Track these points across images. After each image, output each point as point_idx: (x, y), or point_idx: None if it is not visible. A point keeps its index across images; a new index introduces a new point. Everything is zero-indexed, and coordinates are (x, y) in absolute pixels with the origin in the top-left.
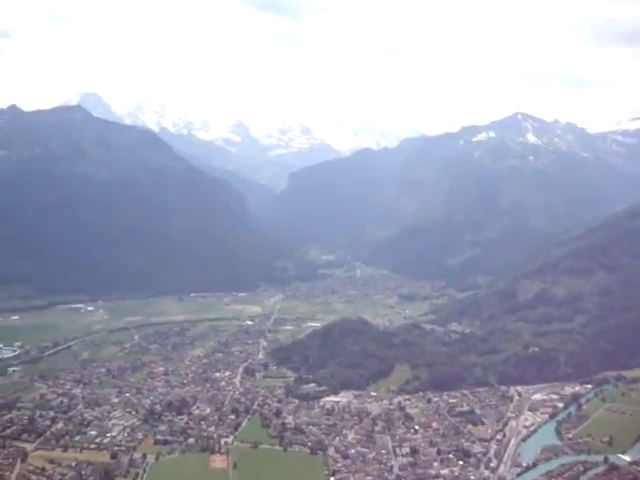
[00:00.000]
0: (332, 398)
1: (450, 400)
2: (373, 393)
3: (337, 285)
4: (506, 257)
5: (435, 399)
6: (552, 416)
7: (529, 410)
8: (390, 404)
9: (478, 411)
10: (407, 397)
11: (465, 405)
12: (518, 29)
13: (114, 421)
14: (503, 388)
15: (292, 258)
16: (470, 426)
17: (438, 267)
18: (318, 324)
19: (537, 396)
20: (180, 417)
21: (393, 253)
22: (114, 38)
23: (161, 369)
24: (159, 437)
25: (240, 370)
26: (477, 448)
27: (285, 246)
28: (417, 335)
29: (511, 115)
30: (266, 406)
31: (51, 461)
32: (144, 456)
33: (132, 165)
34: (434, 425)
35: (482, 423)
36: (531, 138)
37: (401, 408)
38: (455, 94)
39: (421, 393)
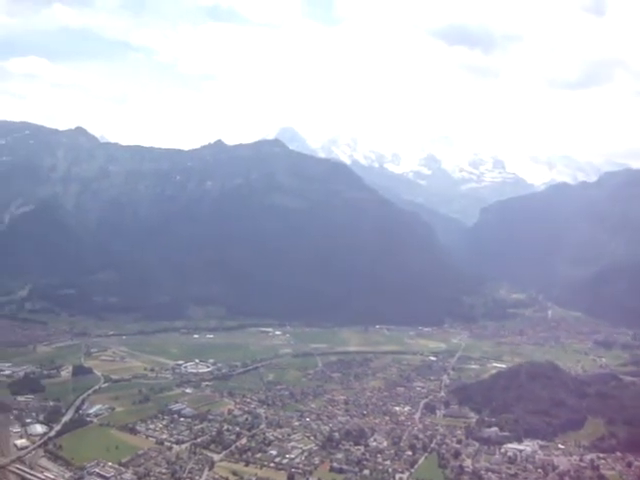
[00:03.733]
0: (515, 445)
1: None
2: (561, 445)
3: (526, 326)
4: None
5: (637, 463)
6: None
7: None
8: (581, 461)
9: None
10: (601, 456)
11: None
12: None
13: (293, 443)
14: None
15: (481, 295)
16: None
17: None
18: (504, 365)
19: None
20: (357, 447)
21: (589, 295)
22: (309, 75)
23: (342, 398)
24: (335, 465)
25: (420, 406)
26: None
27: (474, 282)
28: (614, 387)
29: None
30: (445, 446)
31: (234, 473)
32: None
33: (324, 196)
34: None
35: None
36: None
37: (594, 467)
38: None
39: (618, 454)
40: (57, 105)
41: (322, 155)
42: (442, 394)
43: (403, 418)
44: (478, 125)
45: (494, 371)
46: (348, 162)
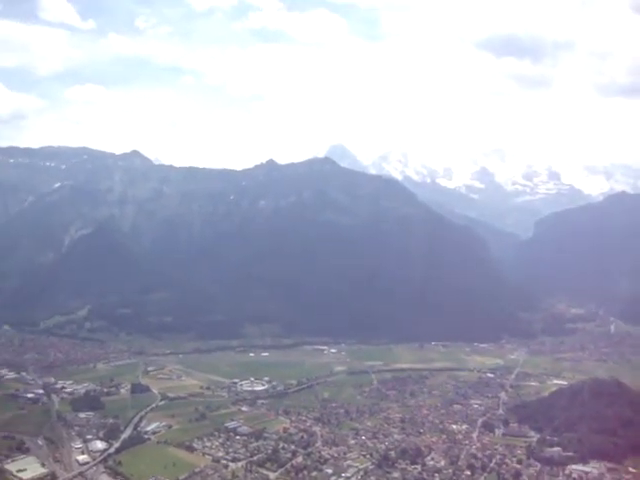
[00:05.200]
0: (580, 467)
1: None
2: (632, 469)
3: (587, 341)
4: None
5: None
6: None
7: None
8: None
9: None
10: None
11: None
12: None
13: (349, 462)
14: None
15: (538, 310)
16: None
17: None
18: (565, 382)
19: None
20: (414, 466)
21: None
22: (357, 92)
23: (398, 416)
24: None
25: (478, 424)
26: None
27: (530, 297)
28: None
29: None
30: (504, 466)
31: None
32: None
33: (376, 213)
34: None
35: None
36: None
37: None
38: None
39: None
40: (113, 130)
41: (373, 171)
42: (500, 412)
43: (460, 437)
44: (531, 136)
45: (555, 388)
46: (399, 178)
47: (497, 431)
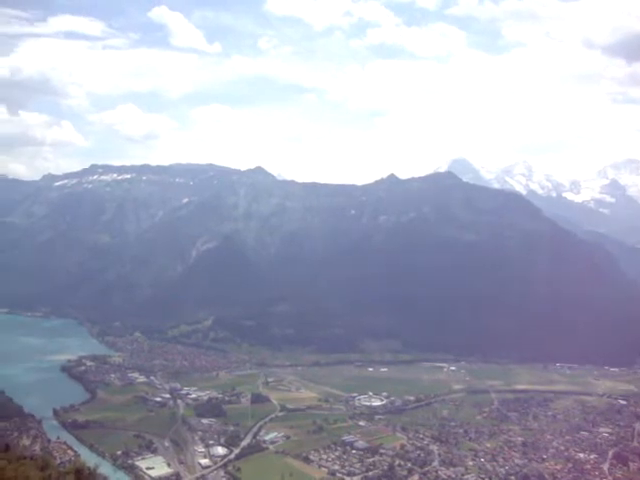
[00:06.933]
0: None
1: None
2: None
3: None
4: None
5: None
6: None
7: None
8: None
9: None
10: None
11: None
12: None
13: None
14: None
15: None
16: None
17: None
18: None
19: None
20: None
21: None
22: (479, 106)
23: (519, 439)
24: None
25: (609, 455)
26: None
27: None
28: None
29: None
30: None
31: None
32: None
33: (499, 228)
34: None
35: None
36: None
37: None
38: None
39: None
40: (238, 147)
41: (496, 186)
42: (635, 444)
43: (589, 467)
44: None
45: None
46: (523, 192)
47: (632, 465)
